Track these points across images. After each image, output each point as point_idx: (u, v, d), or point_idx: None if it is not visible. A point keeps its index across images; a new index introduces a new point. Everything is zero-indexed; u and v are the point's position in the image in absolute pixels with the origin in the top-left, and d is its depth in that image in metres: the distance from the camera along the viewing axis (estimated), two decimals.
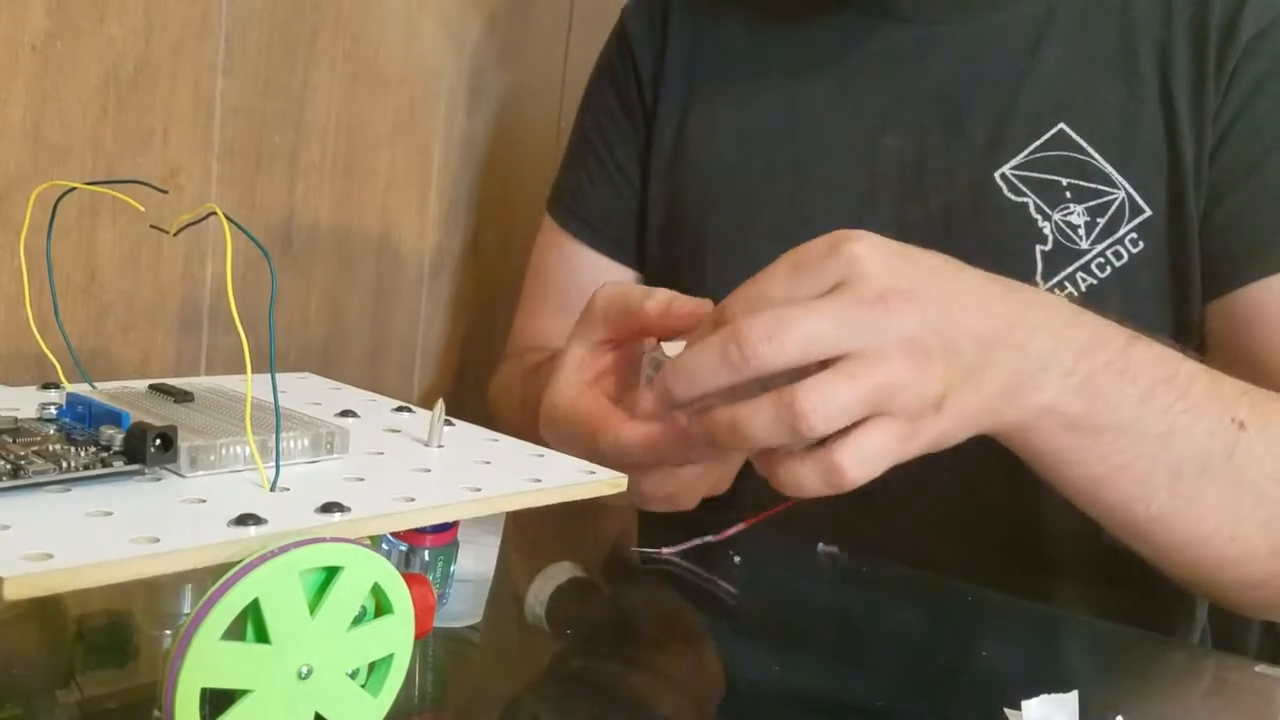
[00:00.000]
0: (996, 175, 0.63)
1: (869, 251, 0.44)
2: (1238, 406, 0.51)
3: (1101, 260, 0.62)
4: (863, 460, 0.43)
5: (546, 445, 0.45)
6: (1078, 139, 0.63)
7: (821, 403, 0.41)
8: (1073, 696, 0.38)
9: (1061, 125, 0.63)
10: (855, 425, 0.43)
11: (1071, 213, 0.62)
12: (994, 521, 0.65)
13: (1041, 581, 0.64)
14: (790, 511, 0.57)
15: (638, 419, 0.48)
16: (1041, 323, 0.47)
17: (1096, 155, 0.63)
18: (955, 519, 0.65)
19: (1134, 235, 0.62)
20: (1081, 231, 0.62)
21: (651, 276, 0.77)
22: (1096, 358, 0.48)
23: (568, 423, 0.50)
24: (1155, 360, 0.50)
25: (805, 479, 0.44)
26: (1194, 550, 0.53)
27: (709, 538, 0.56)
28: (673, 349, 0.48)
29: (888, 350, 0.42)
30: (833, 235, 0.45)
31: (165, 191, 0.47)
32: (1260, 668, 0.49)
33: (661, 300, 0.49)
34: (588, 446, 0.48)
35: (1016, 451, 0.50)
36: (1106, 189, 0.62)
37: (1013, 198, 0.63)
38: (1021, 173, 0.63)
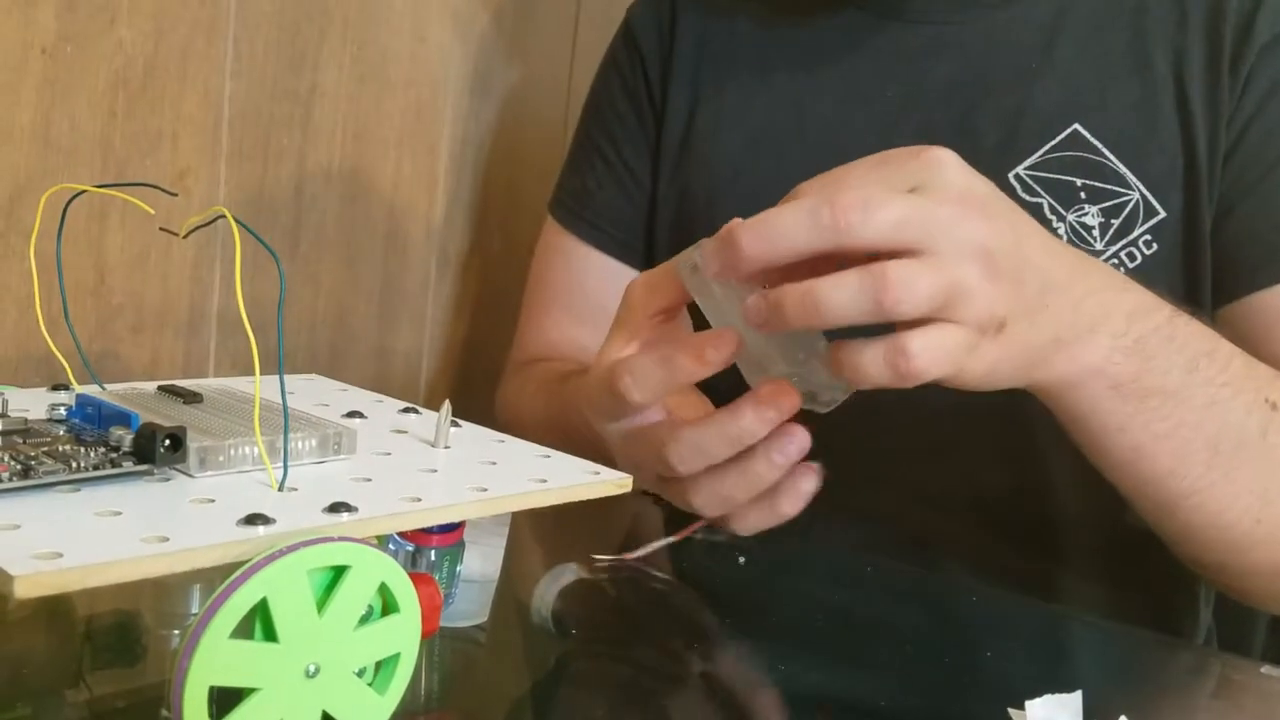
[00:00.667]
0: (1010, 176, 0.63)
1: (953, 160, 0.44)
2: (1273, 388, 0.52)
3: (1115, 262, 0.62)
4: (931, 351, 0.42)
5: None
6: (1092, 140, 0.63)
7: (910, 279, 0.40)
8: (1076, 697, 0.38)
9: (1076, 126, 0.63)
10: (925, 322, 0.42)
11: (1086, 214, 0.62)
12: (998, 503, 0.64)
13: (1045, 570, 0.64)
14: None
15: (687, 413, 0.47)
16: (1097, 284, 0.48)
17: (1111, 156, 0.63)
18: (958, 498, 0.65)
19: (1148, 237, 0.62)
20: (1096, 233, 0.62)
21: None
22: (1147, 323, 0.48)
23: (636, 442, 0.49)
24: (1198, 334, 0.51)
25: (870, 363, 0.42)
26: (1220, 531, 0.53)
27: (669, 539, 0.56)
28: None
29: (965, 253, 0.42)
30: (918, 146, 0.44)
31: (175, 194, 0.47)
32: (1266, 669, 0.49)
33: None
34: (655, 457, 0.48)
35: (1058, 413, 0.51)
36: (1121, 190, 0.62)
37: (1027, 198, 0.63)
38: (1035, 173, 0.63)
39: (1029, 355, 0.46)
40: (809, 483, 0.48)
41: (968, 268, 0.42)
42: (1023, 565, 0.64)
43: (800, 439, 0.46)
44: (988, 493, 0.64)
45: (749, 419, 0.45)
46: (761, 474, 0.46)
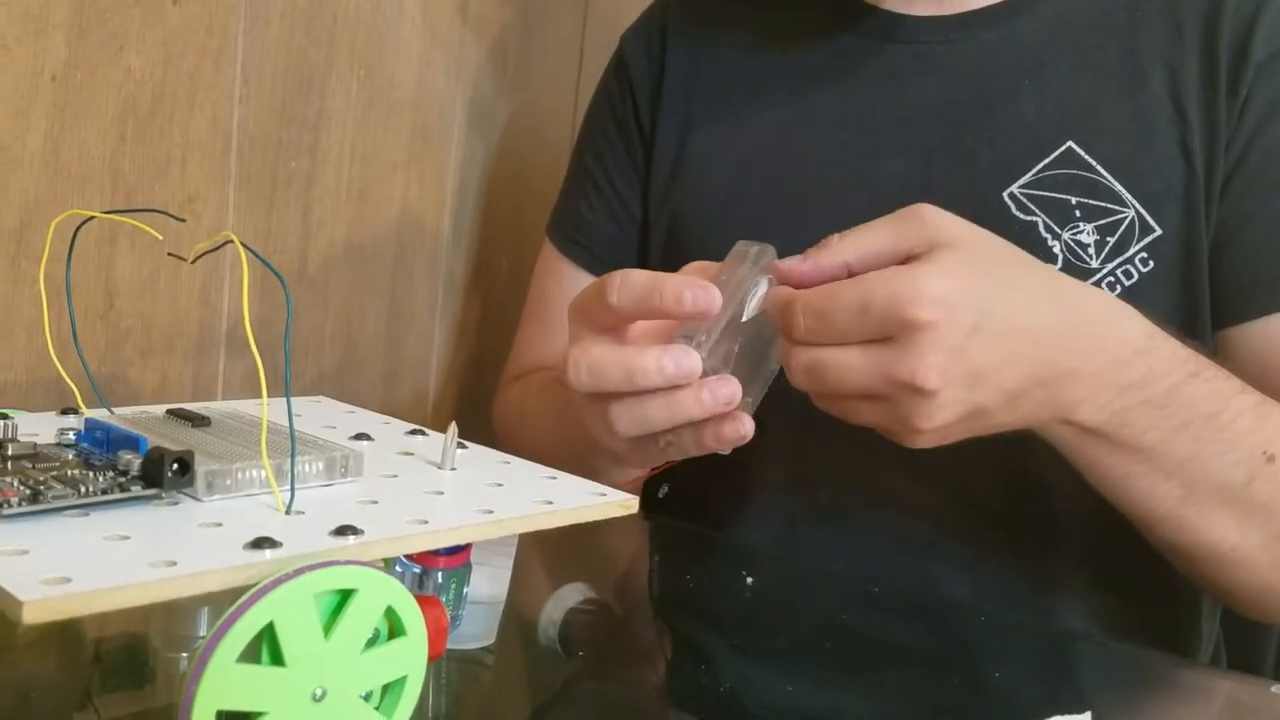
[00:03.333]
0: (1005, 194, 0.63)
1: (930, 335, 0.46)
2: (1276, 440, 0.53)
3: (1111, 279, 0.62)
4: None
5: (565, 431, 0.46)
6: (1086, 157, 0.63)
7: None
8: (1085, 718, 0.38)
9: (1069, 144, 0.63)
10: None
11: (1081, 231, 0.62)
12: (997, 515, 0.64)
13: (1047, 579, 0.64)
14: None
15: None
16: (1100, 362, 0.50)
17: (1106, 174, 0.63)
18: (957, 512, 0.65)
19: (1144, 254, 0.62)
20: (1091, 250, 0.62)
21: None
22: (1137, 394, 0.50)
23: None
24: (1206, 397, 0.52)
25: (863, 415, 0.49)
26: (1198, 551, 0.55)
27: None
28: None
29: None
30: (911, 290, 0.46)
31: (183, 220, 0.48)
32: (1276, 688, 0.48)
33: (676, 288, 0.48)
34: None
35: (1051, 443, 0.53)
36: (1116, 208, 0.62)
37: (1022, 217, 0.63)
38: (1030, 191, 0.63)
39: (1005, 425, 0.50)
40: (737, 425, 0.49)
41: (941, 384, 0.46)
42: (1023, 576, 0.64)
43: (732, 387, 0.48)
44: (988, 505, 0.64)
45: (650, 359, 0.47)
46: (684, 403, 0.48)
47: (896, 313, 0.45)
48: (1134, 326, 0.51)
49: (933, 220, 0.48)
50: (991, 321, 0.46)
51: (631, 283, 0.48)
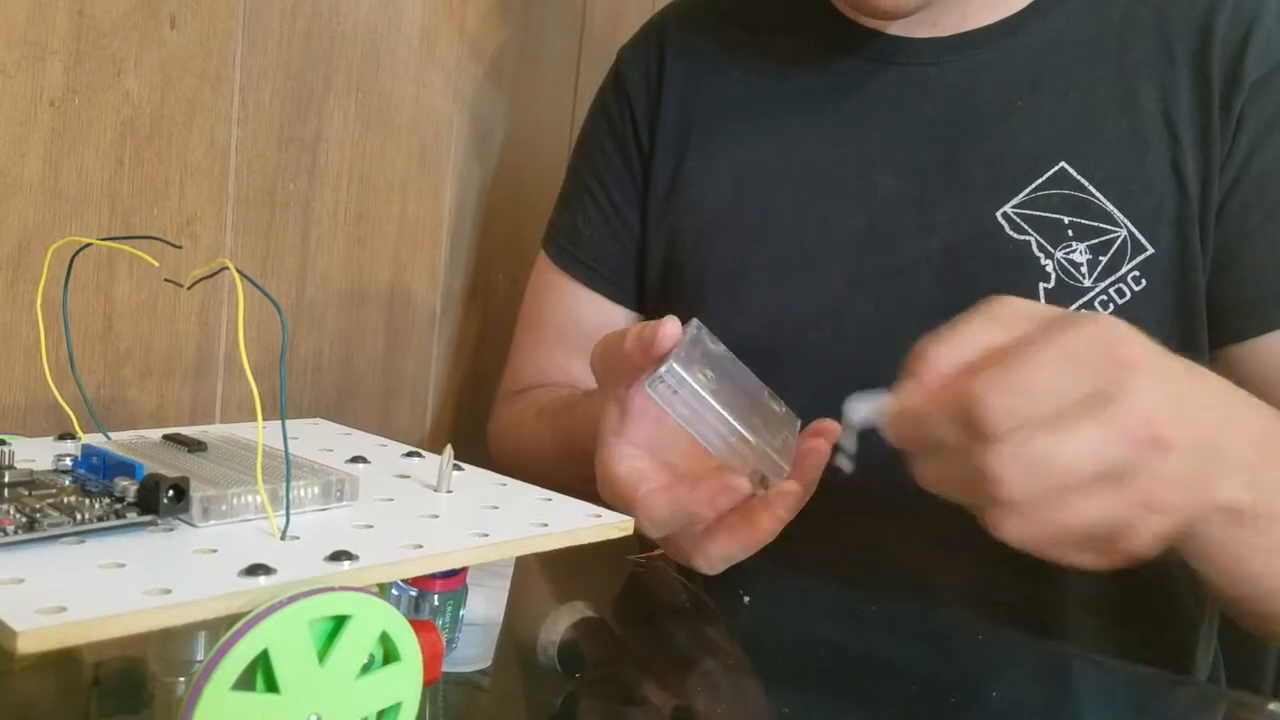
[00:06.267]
0: (998, 214, 0.64)
1: (1143, 360, 0.40)
2: None
3: (1104, 298, 0.62)
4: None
5: (569, 468, 0.45)
6: (1078, 177, 0.63)
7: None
8: None
9: (1062, 164, 0.64)
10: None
11: (1074, 251, 0.62)
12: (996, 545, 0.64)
13: (1045, 606, 0.64)
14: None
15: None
16: (1237, 420, 0.46)
17: (1097, 194, 0.63)
18: (955, 533, 0.65)
19: (1136, 273, 0.62)
20: (1084, 269, 0.62)
21: (650, 315, 0.78)
22: (1265, 445, 0.46)
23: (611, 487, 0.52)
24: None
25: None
26: None
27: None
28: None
29: (1142, 482, 0.39)
30: (1107, 333, 0.40)
31: (179, 246, 0.48)
32: (1274, 705, 0.48)
33: (632, 338, 0.49)
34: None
35: (1175, 542, 0.47)
36: (1108, 227, 0.62)
37: (1015, 236, 0.63)
38: (1023, 211, 0.64)
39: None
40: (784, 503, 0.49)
41: (1141, 492, 0.40)
42: (1023, 602, 0.63)
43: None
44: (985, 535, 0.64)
45: (702, 500, 0.48)
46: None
47: (1109, 352, 0.39)
48: (1234, 388, 0.47)
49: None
50: (1196, 424, 0.42)
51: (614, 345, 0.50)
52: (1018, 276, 0.63)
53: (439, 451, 0.44)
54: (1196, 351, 0.62)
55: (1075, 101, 0.65)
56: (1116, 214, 0.62)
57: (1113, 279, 0.62)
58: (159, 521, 0.35)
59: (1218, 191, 0.62)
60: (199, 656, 0.39)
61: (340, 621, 0.31)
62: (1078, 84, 0.65)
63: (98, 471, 0.38)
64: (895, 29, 0.69)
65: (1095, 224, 0.62)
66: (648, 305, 0.78)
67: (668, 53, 0.77)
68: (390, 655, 0.33)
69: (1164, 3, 0.65)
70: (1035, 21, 0.67)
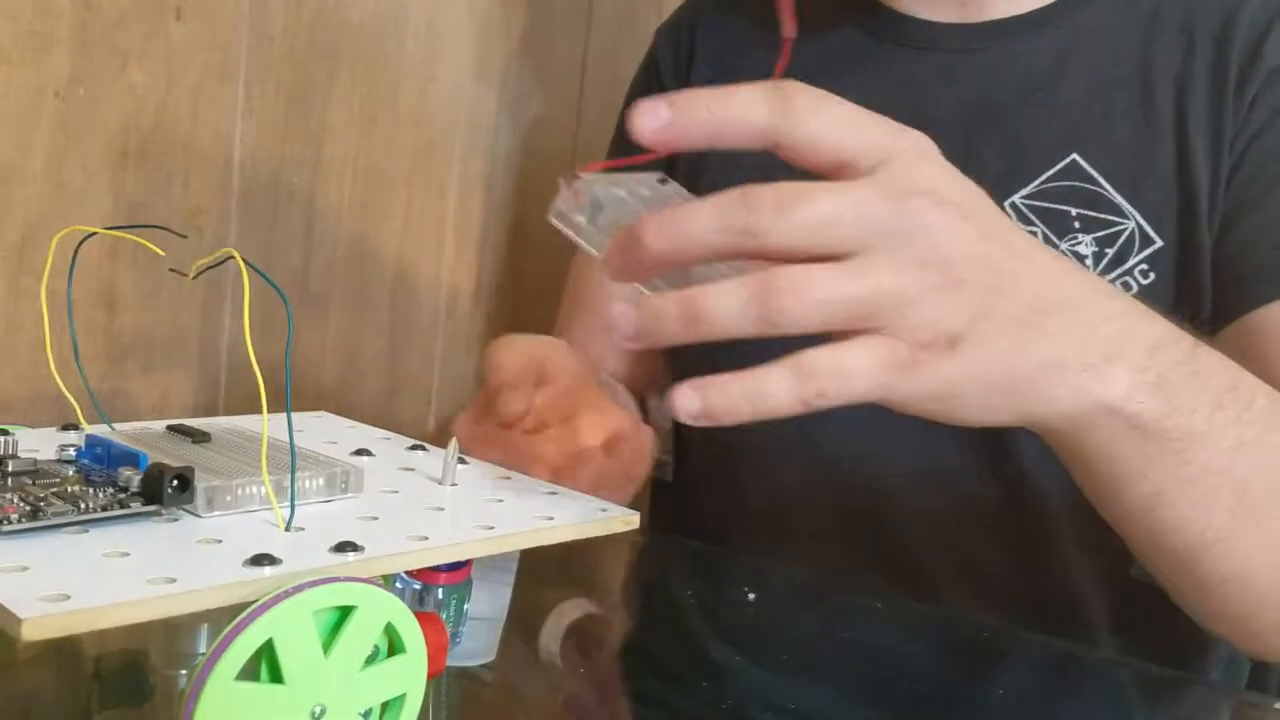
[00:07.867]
0: (1007, 204, 0.64)
1: (932, 153, 0.38)
2: None
3: None
4: (838, 374, 0.36)
5: None
6: (1090, 170, 0.63)
7: (804, 288, 0.35)
8: None
9: (1074, 156, 0.63)
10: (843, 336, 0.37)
11: (1080, 243, 0.62)
12: (999, 509, 0.64)
13: (1051, 595, 0.64)
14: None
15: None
16: (1116, 310, 0.42)
17: (1108, 186, 0.63)
18: (959, 556, 0.65)
19: (1144, 266, 0.62)
20: (1090, 261, 0.62)
21: None
22: (1168, 354, 0.43)
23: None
24: (1220, 367, 0.46)
25: (771, 381, 0.36)
26: (1241, 585, 0.49)
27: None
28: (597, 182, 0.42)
29: (908, 256, 0.36)
30: (899, 128, 0.38)
31: (184, 236, 0.48)
32: None
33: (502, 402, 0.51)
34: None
35: (1064, 455, 0.46)
36: (1116, 219, 0.62)
37: (1023, 227, 0.63)
38: (1032, 202, 0.63)
39: (1008, 380, 0.39)
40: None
41: (910, 274, 0.36)
42: (1027, 592, 0.63)
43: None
44: (991, 520, 0.64)
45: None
46: None
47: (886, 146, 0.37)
48: (1130, 296, 0.45)
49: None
50: (986, 223, 0.39)
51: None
52: None
53: (442, 448, 0.44)
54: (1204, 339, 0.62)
55: (1093, 94, 0.64)
56: (1125, 206, 0.62)
57: (1119, 271, 0.62)
58: (163, 511, 0.34)
59: (1225, 174, 0.61)
60: (201, 649, 0.39)
61: (345, 612, 0.31)
62: (1097, 77, 0.65)
63: (102, 461, 0.38)
64: (923, 11, 0.69)
65: (1103, 216, 0.62)
66: None
67: (698, 29, 0.78)
68: (395, 647, 0.33)
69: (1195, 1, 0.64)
70: (1064, 14, 0.66)
